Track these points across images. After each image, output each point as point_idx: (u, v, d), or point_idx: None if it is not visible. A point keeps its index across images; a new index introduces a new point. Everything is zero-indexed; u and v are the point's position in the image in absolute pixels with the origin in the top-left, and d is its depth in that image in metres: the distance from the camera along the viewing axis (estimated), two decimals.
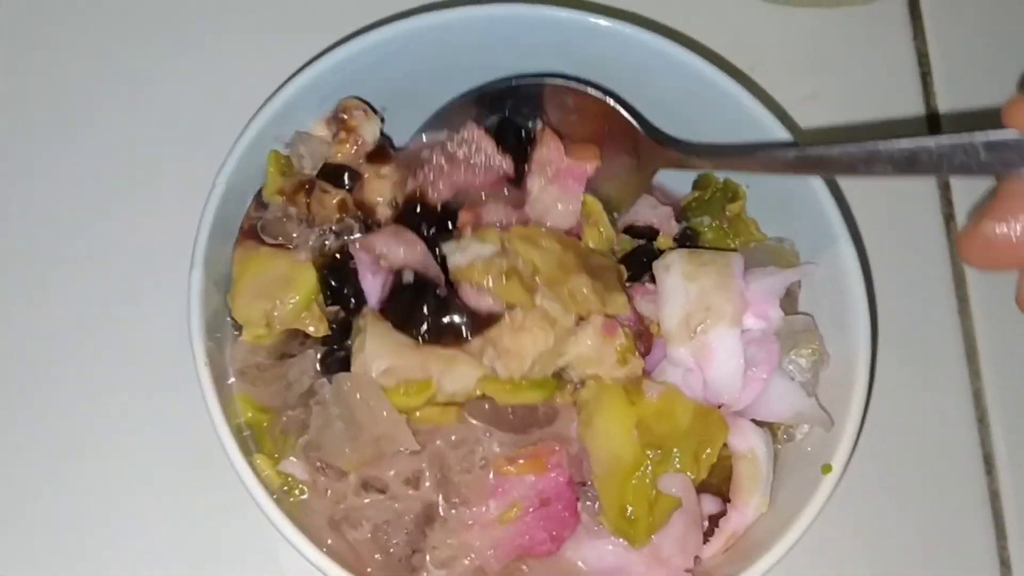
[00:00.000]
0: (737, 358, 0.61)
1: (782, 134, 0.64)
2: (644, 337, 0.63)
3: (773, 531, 0.58)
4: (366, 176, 0.65)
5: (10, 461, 0.68)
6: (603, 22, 0.65)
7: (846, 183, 0.73)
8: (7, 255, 0.71)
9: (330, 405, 0.60)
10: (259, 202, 0.65)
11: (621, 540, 0.60)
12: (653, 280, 0.63)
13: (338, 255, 0.63)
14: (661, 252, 0.65)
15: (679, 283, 0.62)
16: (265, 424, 0.61)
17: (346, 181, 0.65)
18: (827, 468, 0.59)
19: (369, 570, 0.59)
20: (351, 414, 0.59)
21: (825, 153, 0.55)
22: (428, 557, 0.60)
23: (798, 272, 0.64)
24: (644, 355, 0.62)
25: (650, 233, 0.67)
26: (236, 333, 0.63)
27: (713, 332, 0.61)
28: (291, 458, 0.60)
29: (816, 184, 0.63)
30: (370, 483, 0.61)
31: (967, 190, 0.78)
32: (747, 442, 0.61)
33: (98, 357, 0.70)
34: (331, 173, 0.65)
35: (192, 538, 0.68)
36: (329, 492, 0.61)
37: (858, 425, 0.60)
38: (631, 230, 0.67)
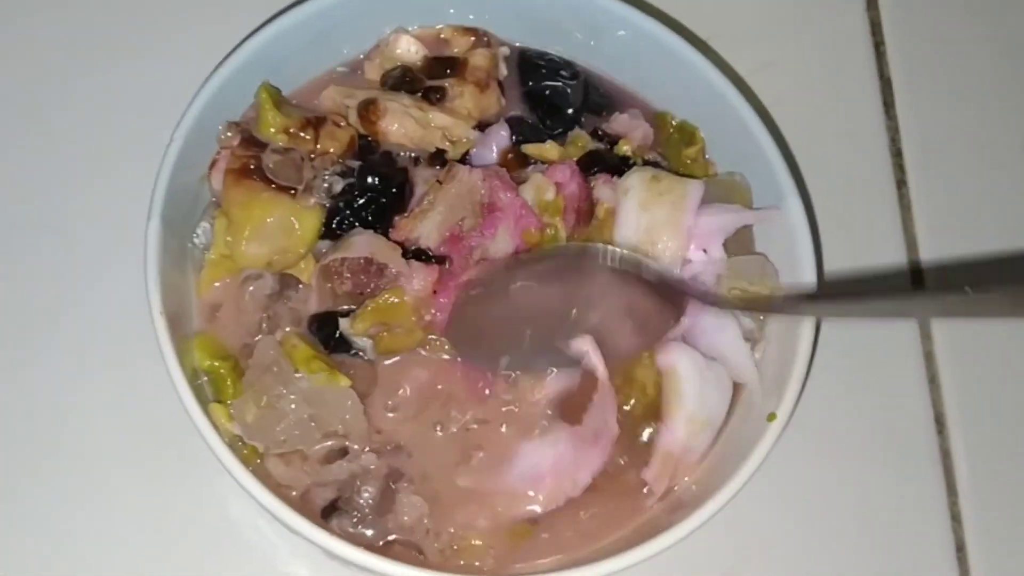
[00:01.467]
0: None
1: (737, 100, 0.67)
2: (582, 214, 0.65)
3: (716, 479, 0.60)
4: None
5: None
6: None
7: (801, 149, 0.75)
8: None
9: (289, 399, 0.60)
10: (248, 140, 0.64)
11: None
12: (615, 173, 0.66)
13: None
14: (621, 159, 0.67)
15: (633, 210, 0.65)
16: (224, 371, 0.61)
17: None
18: (772, 416, 0.61)
19: None
20: (313, 411, 0.60)
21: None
22: None
23: (756, 215, 0.66)
24: (571, 225, 0.64)
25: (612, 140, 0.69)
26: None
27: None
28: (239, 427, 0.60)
29: (764, 141, 0.67)
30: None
31: (920, 158, 0.80)
32: (668, 359, 0.63)
33: (59, 326, 0.71)
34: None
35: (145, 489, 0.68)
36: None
37: (803, 374, 0.62)
38: (597, 133, 0.70)
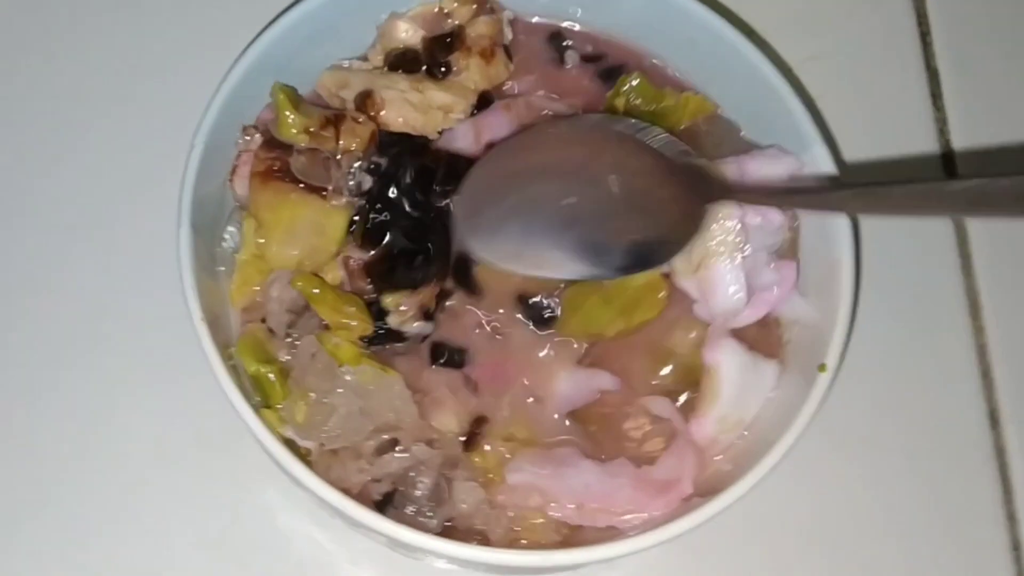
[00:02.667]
0: (737, 287, 0.63)
1: (786, 90, 0.66)
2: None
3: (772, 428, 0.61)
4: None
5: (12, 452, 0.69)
6: None
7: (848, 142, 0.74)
8: None
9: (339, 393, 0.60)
10: (270, 141, 0.64)
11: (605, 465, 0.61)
12: None
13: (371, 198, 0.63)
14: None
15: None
16: (272, 376, 0.61)
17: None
18: (823, 367, 0.61)
19: None
20: (363, 403, 0.60)
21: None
22: None
23: (798, 161, 0.65)
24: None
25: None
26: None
27: (714, 266, 0.62)
28: (290, 428, 0.61)
29: (792, 103, 0.66)
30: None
31: (969, 153, 0.79)
32: (714, 357, 0.62)
33: (97, 336, 0.71)
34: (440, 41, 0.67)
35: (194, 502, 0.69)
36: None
37: (848, 320, 0.62)
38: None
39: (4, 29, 0.78)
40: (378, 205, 0.63)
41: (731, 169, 0.64)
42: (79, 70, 0.77)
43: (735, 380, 0.63)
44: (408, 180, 0.63)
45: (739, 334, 0.64)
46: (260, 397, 0.61)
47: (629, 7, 0.70)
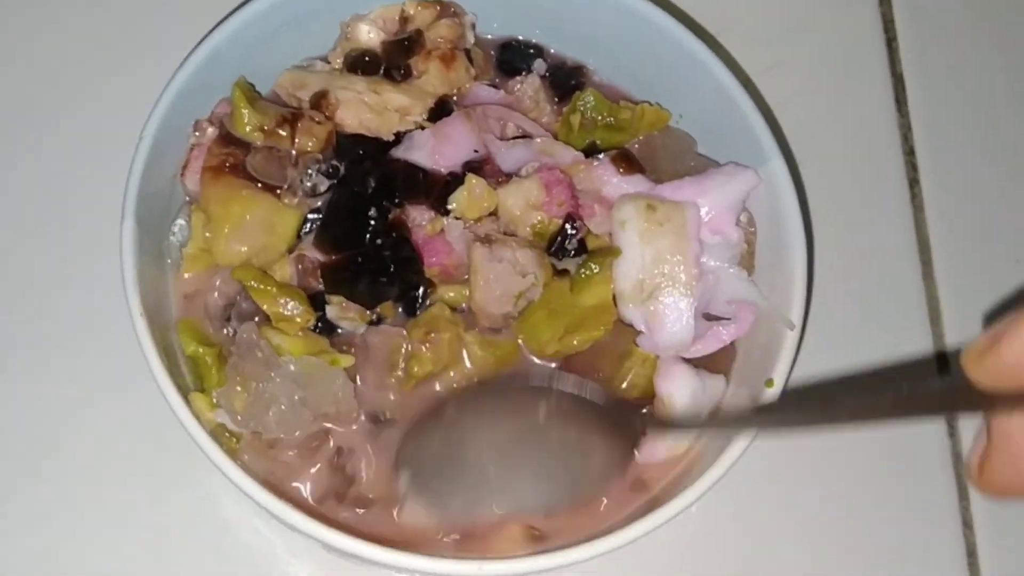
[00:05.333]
0: (687, 324, 0.63)
1: (746, 102, 0.67)
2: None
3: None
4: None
5: None
6: None
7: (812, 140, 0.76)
8: None
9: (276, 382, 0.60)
10: (224, 137, 0.64)
11: None
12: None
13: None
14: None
15: (635, 244, 0.63)
16: (209, 359, 0.62)
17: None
18: (770, 383, 0.62)
19: None
20: (303, 392, 0.61)
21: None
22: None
23: (756, 177, 0.65)
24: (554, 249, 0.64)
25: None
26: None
27: (665, 298, 0.63)
28: (222, 410, 0.61)
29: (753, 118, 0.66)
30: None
31: (932, 156, 0.79)
32: (668, 388, 0.63)
33: (38, 323, 0.71)
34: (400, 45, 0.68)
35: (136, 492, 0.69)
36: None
37: (799, 332, 0.62)
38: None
39: None
40: (339, 209, 0.63)
41: (690, 189, 0.65)
42: (29, 63, 0.77)
43: (687, 406, 0.63)
44: (370, 190, 0.63)
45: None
46: (195, 380, 0.62)
47: (588, 14, 0.70)
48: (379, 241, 0.63)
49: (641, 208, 0.64)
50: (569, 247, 0.64)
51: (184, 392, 0.59)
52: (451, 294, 0.64)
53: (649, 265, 0.63)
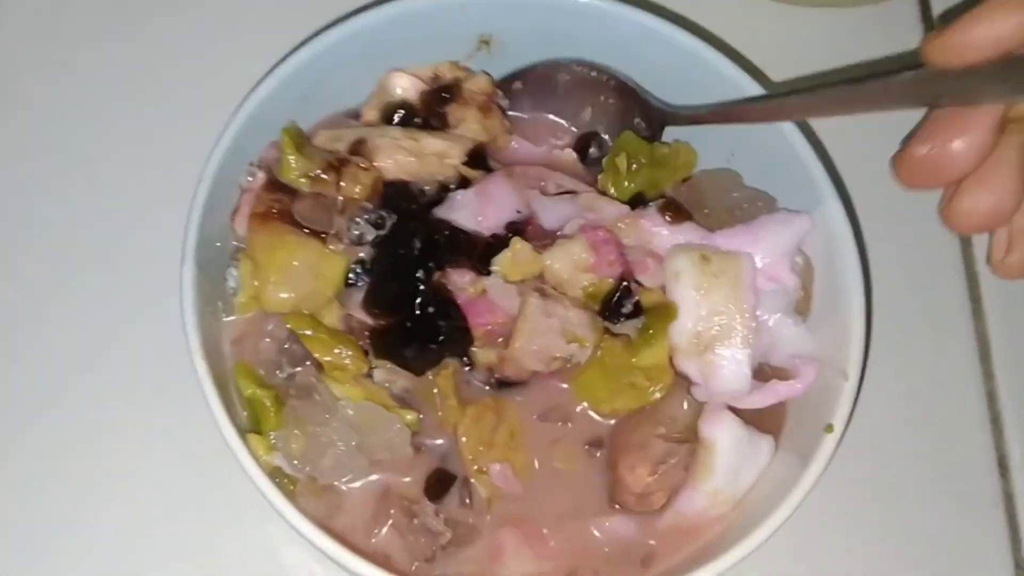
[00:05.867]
0: (743, 375, 0.63)
1: (798, 137, 0.67)
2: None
3: (775, 492, 0.61)
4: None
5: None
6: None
7: (858, 193, 0.74)
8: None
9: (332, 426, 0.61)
10: (273, 183, 0.65)
11: None
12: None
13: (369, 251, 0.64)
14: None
15: (691, 296, 0.63)
16: (267, 402, 0.62)
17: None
18: (829, 428, 0.61)
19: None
20: (359, 438, 0.61)
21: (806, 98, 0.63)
22: None
23: (810, 221, 0.65)
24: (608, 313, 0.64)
25: None
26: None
27: (721, 350, 0.63)
28: (279, 454, 0.61)
29: (803, 151, 0.67)
30: None
31: None
32: (712, 432, 0.63)
33: (95, 354, 0.72)
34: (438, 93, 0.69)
35: (193, 532, 0.69)
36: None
37: (858, 378, 0.62)
38: None
39: (10, 58, 0.79)
40: (386, 273, 0.64)
41: (743, 238, 0.65)
42: (90, 96, 0.78)
43: (731, 455, 0.63)
44: (416, 251, 0.63)
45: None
46: (252, 422, 0.62)
47: (637, 48, 0.70)
48: (429, 308, 0.63)
49: (695, 260, 0.63)
50: (624, 311, 0.64)
51: (242, 434, 0.59)
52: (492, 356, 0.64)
53: (705, 317, 0.62)
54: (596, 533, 0.63)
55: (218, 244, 0.65)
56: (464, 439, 0.62)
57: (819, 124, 0.76)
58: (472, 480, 0.62)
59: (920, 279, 0.78)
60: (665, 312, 0.63)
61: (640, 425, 0.63)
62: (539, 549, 0.62)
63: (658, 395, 0.63)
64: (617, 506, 0.63)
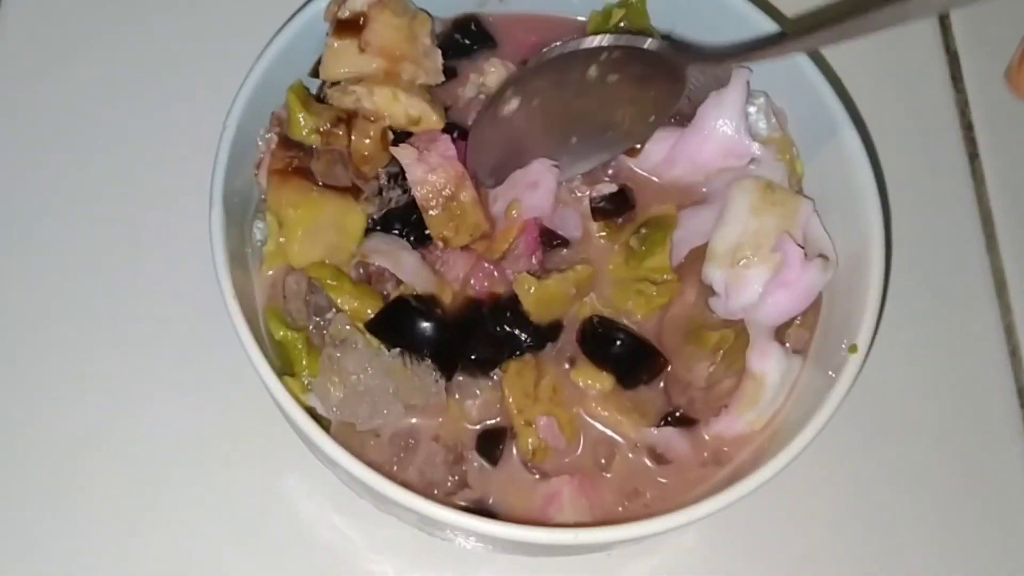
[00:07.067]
0: (756, 296, 0.65)
1: (812, 70, 0.68)
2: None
3: (805, 410, 0.62)
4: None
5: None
6: None
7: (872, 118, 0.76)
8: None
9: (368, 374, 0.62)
10: (285, 141, 0.66)
11: None
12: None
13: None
14: None
15: (744, 212, 0.66)
16: (299, 345, 0.63)
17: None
18: (854, 348, 0.62)
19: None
20: (395, 384, 0.62)
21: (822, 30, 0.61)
22: None
23: (744, 73, 0.67)
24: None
25: None
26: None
27: (752, 270, 0.65)
28: (311, 394, 0.62)
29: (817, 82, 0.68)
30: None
31: (991, 130, 0.81)
32: (763, 365, 0.64)
33: (126, 300, 0.73)
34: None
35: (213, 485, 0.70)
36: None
37: (879, 303, 0.63)
38: None
39: (34, 28, 0.80)
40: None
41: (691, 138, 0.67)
42: (110, 67, 0.80)
43: (776, 388, 0.65)
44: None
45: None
46: (283, 364, 0.63)
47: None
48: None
49: (761, 185, 0.67)
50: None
51: (278, 375, 0.60)
52: None
53: (751, 234, 0.65)
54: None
55: (243, 195, 0.66)
56: (510, 394, 0.63)
57: (834, 58, 0.78)
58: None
59: (933, 222, 0.79)
60: (665, 222, 0.66)
61: (675, 335, 0.65)
62: (594, 498, 0.63)
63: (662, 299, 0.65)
64: (679, 413, 0.64)
